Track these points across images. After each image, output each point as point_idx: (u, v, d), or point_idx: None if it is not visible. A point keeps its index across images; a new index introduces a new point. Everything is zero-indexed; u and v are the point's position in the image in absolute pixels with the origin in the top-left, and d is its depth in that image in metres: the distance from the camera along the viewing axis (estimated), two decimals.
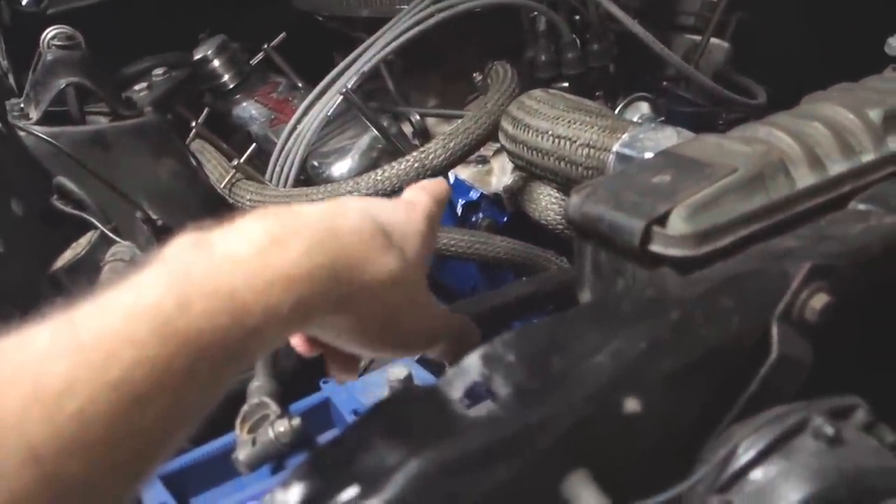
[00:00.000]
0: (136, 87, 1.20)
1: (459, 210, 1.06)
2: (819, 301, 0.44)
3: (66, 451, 0.31)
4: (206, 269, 0.36)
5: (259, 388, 0.60)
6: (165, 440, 0.35)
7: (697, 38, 1.23)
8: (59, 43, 0.98)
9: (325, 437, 0.61)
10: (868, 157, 0.55)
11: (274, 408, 0.57)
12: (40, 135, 0.90)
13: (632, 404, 0.39)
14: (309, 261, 0.39)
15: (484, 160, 1.08)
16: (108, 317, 0.34)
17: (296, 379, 0.69)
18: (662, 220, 0.48)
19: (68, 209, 0.83)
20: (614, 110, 1.06)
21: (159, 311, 0.34)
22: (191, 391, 0.35)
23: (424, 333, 0.48)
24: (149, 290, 0.35)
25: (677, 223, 0.48)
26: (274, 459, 0.56)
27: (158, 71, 1.23)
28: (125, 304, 0.35)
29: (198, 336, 0.35)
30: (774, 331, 0.43)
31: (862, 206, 0.51)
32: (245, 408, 0.58)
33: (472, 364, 0.41)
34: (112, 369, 0.33)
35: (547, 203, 0.97)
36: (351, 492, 0.35)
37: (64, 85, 0.94)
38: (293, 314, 0.38)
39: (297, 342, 0.51)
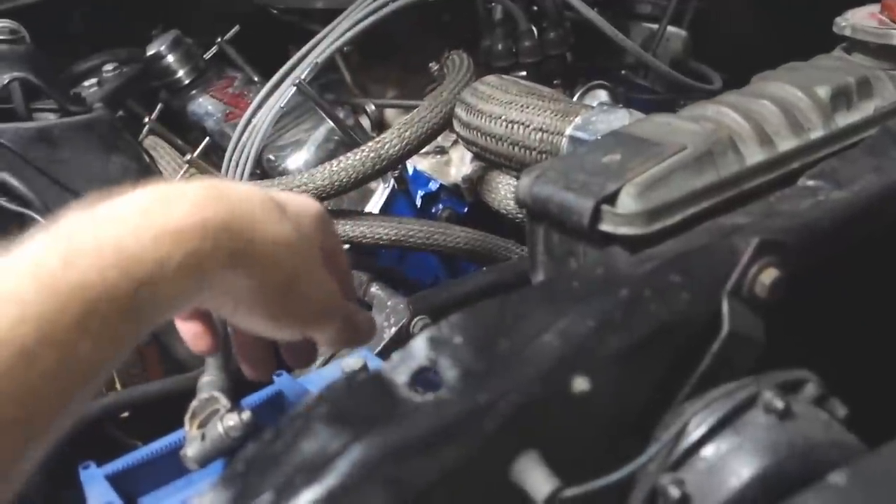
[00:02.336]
0: (86, 84, 1.18)
1: (419, 201, 1.05)
2: (769, 276, 0.43)
3: None
4: (90, 228, 0.37)
5: (209, 382, 0.59)
6: (60, 397, 0.35)
7: (655, 26, 1.24)
8: (1, 37, 0.95)
9: None
10: (817, 134, 0.55)
11: (224, 402, 0.55)
12: None
13: (581, 383, 0.38)
14: (197, 215, 0.39)
15: (443, 150, 1.07)
16: None
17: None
18: (612, 198, 0.47)
19: (12, 206, 0.81)
20: (572, 98, 1.06)
21: (43, 268, 0.35)
22: (83, 346, 0.35)
23: (321, 303, 0.48)
24: (32, 250, 0.36)
25: (627, 201, 0.47)
26: (225, 455, 0.54)
27: (109, 67, 1.20)
28: (9, 264, 0.35)
29: (86, 290, 0.35)
30: (725, 306, 0.42)
31: (811, 183, 0.51)
32: (194, 403, 0.56)
33: (419, 347, 0.40)
34: None
35: (506, 192, 0.97)
36: (292, 480, 0.34)
37: (7, 80, 0.91)
38: (185, 268, 0.38)
39: (194, 331, 0.51)
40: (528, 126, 0.78)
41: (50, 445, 0.36)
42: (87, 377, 0.36)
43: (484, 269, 0.97)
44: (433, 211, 1.05)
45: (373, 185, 1.03)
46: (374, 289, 0.93)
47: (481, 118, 0.83)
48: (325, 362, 0.80)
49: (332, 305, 0.49)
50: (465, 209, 1.05)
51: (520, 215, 0.97)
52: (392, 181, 1.03)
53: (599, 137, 0.59)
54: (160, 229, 0.38)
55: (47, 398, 0.34)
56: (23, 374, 0.33)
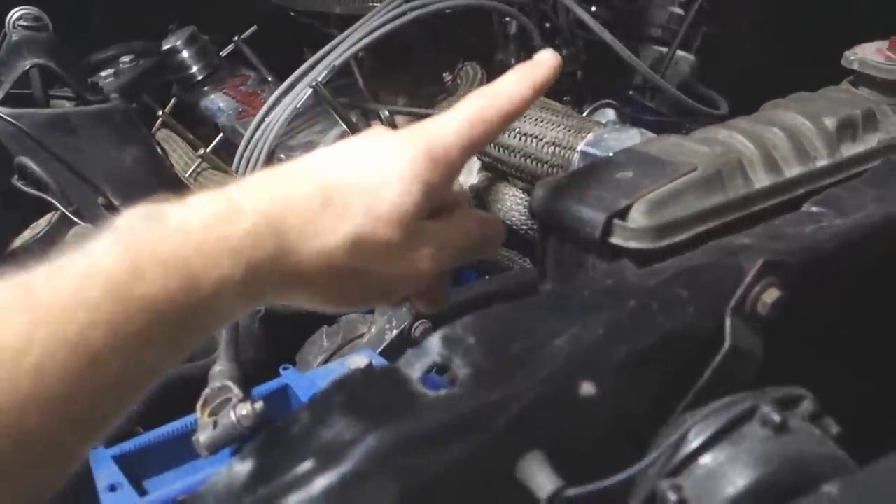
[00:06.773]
0: (103, 74, 1.19)
1: None
2: (770, 296, 0.45)
3: (24, 403, 0.32)
4: (158, 238, 0.38)
5: (221, 372, 0.60)
6: (121, 399, 0.36)
7: (664, 49, 1.26)
8: (24, 24, 0.96)
9: None
10: (822, 163, 0.57)
11: (236, 392, 0.57)
12: (2, 115, 0.88)
13: (587, 388, 0.40)
14: (254, 235, 0.40)
15: None
16: (63, 280, 0.35)
17: (256, 365, 0.69)
18: (623, 213, 0.49)
19: (29, 189, 0.82)
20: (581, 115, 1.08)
21: (112, 276, 0.35)
22: (147, 354, 0.36)
23: (400, 288, 0.48)
24: (101, 256, 0.36)
25: (637, 217, 0.49)
26: (235, 443, 0.55)
27: (126, 59, 1.22)
28: (78, 269, 0.35)
29: (152, 302, 0.36)
30: (728, 323, 0.44)
31: (815, 209, 0.53)
32: (206, 391, 0.57)
33: (433, 345, 0.41)
34: (69, 329, 0.34)
35: (512, 203, 0.98)
36: (307, 465, 0.36)
37: (28, 66, 0.93)
38: (246, 285, 0.39)
39: None
40: (542, 139, 0.80)
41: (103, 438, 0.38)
42: (149, 380, 0.38)
43: (486, 277, 0.99)
44: None
45: None
46: None
47: None
48: (328, 359, 0.81)
49: (397, 291, 0.49)
50: None
51: (524, 227, 0.99)
52: None
53: (612, 154, 0.61)
54: (221, 247, 0.39)
55: (112, 399, 0.36)
56: (93, 377, 0.34)
